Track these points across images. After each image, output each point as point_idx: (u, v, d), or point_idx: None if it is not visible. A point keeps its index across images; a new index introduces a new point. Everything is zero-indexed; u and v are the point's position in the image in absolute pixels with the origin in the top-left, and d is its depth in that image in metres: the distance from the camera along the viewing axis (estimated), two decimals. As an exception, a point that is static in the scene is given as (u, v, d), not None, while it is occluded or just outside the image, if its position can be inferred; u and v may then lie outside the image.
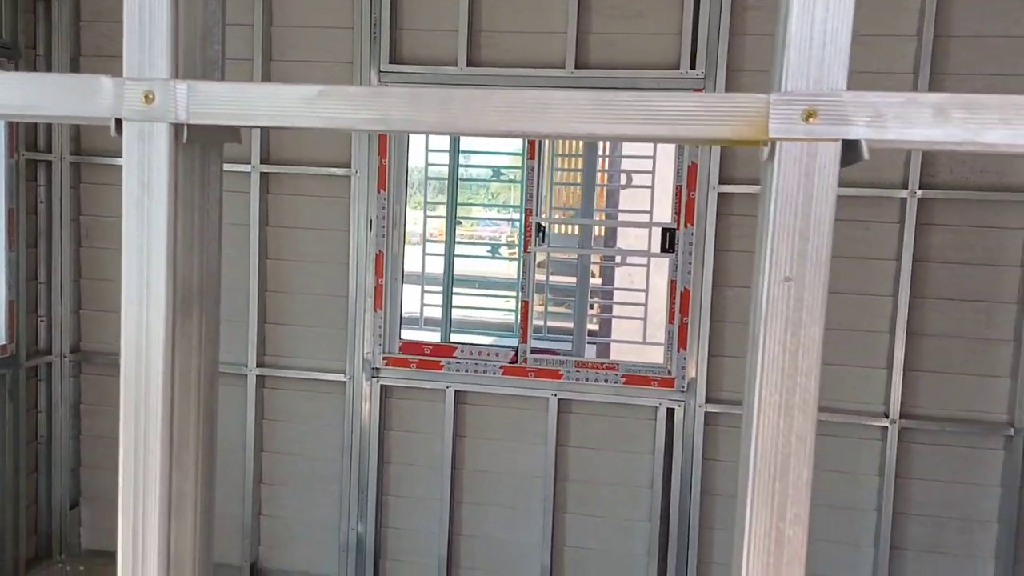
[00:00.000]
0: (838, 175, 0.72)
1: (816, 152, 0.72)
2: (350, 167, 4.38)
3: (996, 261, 3.98)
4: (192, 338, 0.93)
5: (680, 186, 4.23)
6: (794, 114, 0.73)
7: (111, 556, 0.94)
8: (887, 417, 4.04)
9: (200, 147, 0.91)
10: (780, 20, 0.75)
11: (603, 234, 6.53)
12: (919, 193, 3.96)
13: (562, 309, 5.54)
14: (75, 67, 4.58)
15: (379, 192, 4.34)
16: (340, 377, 4.46)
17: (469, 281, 5.46)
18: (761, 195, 0.78)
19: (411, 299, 5.03)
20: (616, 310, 5.86)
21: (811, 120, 0.72)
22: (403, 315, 4.62)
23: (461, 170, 5.23)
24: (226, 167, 4.41)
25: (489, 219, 9.20)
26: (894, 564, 4.07)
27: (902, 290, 3.99)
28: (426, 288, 4.87)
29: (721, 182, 4.16)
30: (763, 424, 0.76)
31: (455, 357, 4.44)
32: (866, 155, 0.72)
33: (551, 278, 6.27)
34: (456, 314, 4.79)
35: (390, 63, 4.29)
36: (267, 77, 4.38)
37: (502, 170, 5.14)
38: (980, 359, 4.01)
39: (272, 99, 0.82)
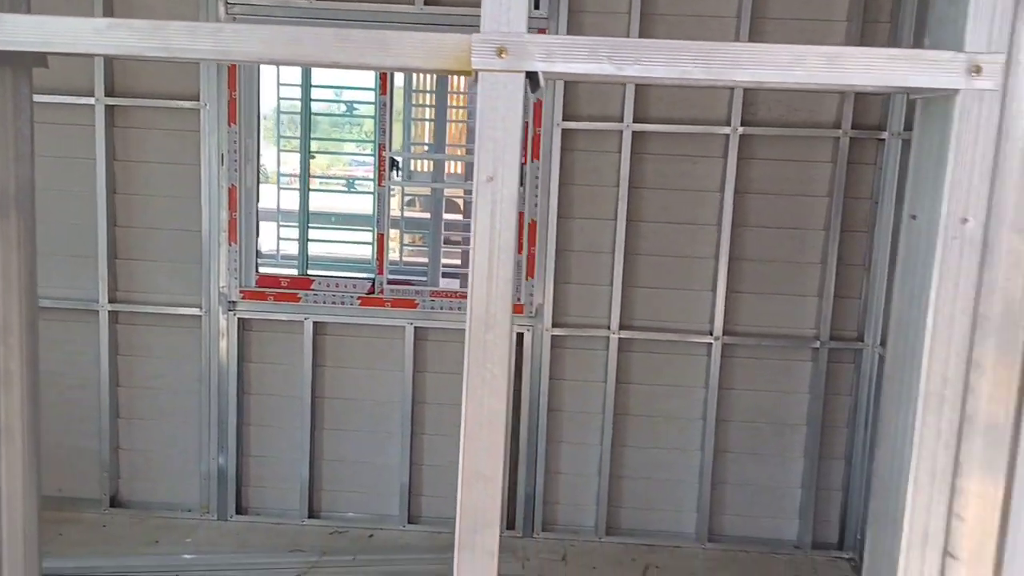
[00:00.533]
0: (523, 98, 0.96)
1: (507, 80, 0.96)
2: (199, 100, 4.39)
3: (807, 192, 4.44)
4: (11, 237, 1.09)
5: (527, 122, 4.47)
6: (490, 51, 0.95)
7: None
8: (711, 335, 4.48)
9: (11, 71, 1.06)
10: (485, -25, 0.97)
11: (463, 170, 6.73)
12: (741, 130, 4.34)
13: (422, 243, 5.74)
14: None
15: (230, 126, 4.38)
16: (196, 311, 4.53)
17: (327, 216, 5.59)
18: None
19: (269, 236, 5.12)
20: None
21: (503, 56, 0.95)
22: (260, 251, 4.71)
23: (318, 105, 5.28)
24: (69, 100, 4.36)
25: (362, 155, 9.21)
26: (717, 465, 4.57)
27: (725, 219, 4.40)
28: (283, 223, 4.95)
29: (565, 119, 4.42)
30: (476, 290, 1.00)
31: (312, 289, 4.58)
32: (543, 83, 0.96)
33: (415, 213, 6.45)
34: (315, 250, 4.91)
35: (237, -5, 4.30)
36: (108, 8, 4.30)
37: (356, 105, 5.24)
38: (792, 280, 4.49)
39: (69, 30, 0.97)
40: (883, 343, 4.38)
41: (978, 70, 0.91)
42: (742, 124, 4.36)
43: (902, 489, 1.01)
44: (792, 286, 4.49)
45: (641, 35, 4.36)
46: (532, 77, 0.96)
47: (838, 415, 4.58)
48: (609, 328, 4.52)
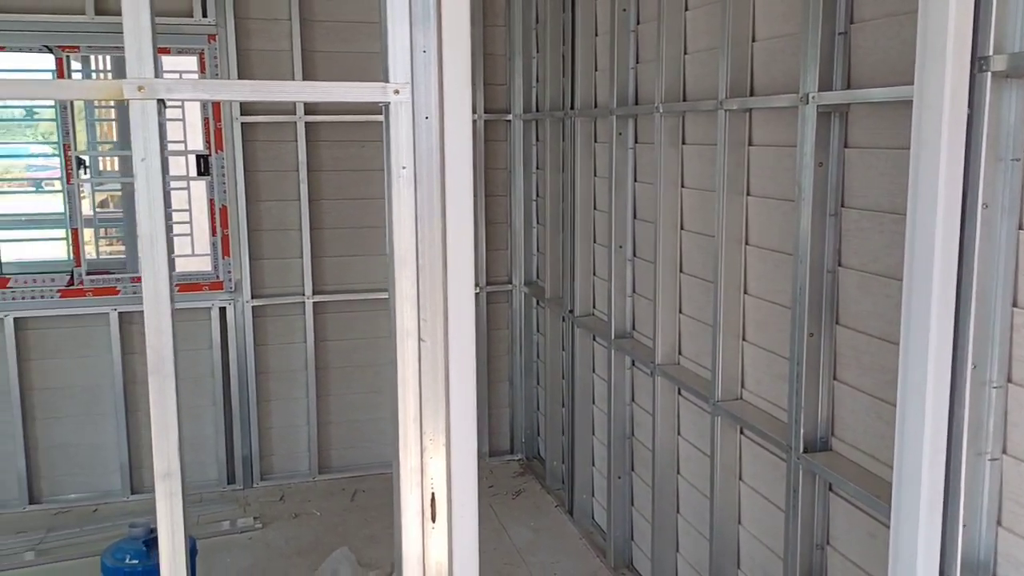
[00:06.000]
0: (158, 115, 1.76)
1: (145, 104, 1.75)
2: None
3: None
4: None
5: (208, 118, 5.11)
6: (133, 88, 1.74)
7: None
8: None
9: None
10: None
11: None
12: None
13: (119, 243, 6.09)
14: None
15: (-97, 135, 4.59)
16: None
17: (16, 218, 5.79)
18: (135, 123, 1.79)
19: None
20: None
21: (141, 90, 1.74)
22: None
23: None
24: None
25: (45, 156, 9.07)
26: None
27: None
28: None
29: (244, 113, 5.11)
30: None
31: (9, 287, 4.92)
32: (167, 104, 1.76)
33: (113, 209, 6.77)
34: (8, 252, 5.17)
35: None
36: None
37: (35, 109, 5.53)
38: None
39: None
40: (527, 284, 5.60)
41: (397, 91, 1.86)
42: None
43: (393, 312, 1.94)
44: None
45: (303, 38, 5.15)
46: (161, 101, 1.77)
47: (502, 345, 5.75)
48: (304, 295, 5.32)
